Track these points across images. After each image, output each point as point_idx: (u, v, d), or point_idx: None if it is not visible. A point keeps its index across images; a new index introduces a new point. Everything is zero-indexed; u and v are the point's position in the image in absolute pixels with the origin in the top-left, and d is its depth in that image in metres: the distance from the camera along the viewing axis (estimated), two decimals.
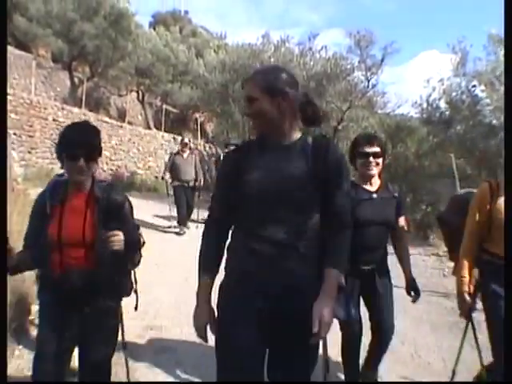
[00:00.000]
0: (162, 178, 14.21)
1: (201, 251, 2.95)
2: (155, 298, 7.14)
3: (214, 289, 2.86)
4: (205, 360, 5.24)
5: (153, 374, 4.89)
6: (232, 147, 5.58)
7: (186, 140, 13.98)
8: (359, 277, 4.33)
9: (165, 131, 32.08)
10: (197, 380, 4.87)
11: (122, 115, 30.63)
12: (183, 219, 12.99)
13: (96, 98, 30.29)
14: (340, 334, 4.52)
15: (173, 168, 12.99)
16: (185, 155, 13.06)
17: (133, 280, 3.64)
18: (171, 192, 13.51)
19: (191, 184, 12.99)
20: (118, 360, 3.92)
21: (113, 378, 3.67)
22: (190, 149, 14.03)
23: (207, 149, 22.89)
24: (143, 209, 14.76)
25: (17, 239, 6.83)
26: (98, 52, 27.21)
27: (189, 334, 5.89)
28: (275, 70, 2.88)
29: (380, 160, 4.42)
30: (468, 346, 5.94)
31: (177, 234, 12.91)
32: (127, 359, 3.93)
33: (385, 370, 4.99)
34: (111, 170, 24.93)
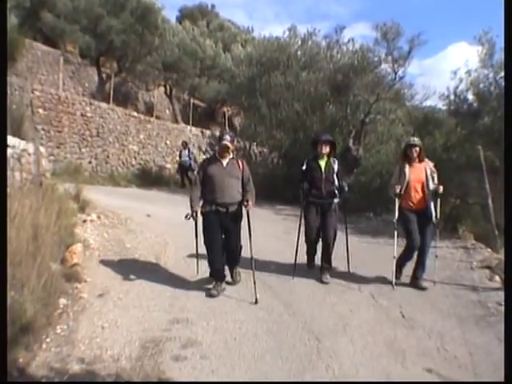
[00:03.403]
0: (187, 217, 7.29)
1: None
2: (182, 291, 7.19)
3: None
4: (230, 353, 5.28)
5: (178, 367, 4.92)
6: None
7: (228, 138, 7.54)
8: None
9: (193, 125, 32.28)
10: (221, 374, 4.89)
11: (149, 110, 30.82)
12: (218, 271, 7.52)
13: (124, 93, 30.50)
14: None
15: (204, 182, 7.53)
16: (224, 162, 7.52)
17: None
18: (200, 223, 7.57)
19: (233, 209, 7.43)
20: None
21: None
22: (234, 152, 7.98)
23: (235, 143, 22.81)
24: (167, 210, 14.72)
25: (45, 234, 6.94)
26: (126, 47, 27.41)
27: (215, 327, 5.94)
28: None
29: None
30: (496, 340, 5.91)
31: (207, 294, 7.25)
32: None
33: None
34: (139, 164, 25.10)
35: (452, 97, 16.14)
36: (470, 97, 15.81)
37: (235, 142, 8.84)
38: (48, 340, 5.29)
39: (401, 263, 8.14)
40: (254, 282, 7.01)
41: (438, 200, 8.12)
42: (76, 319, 5.91)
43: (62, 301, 6.26)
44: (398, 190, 7.98)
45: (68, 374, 4.67)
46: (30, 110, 17.55)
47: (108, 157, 23.15)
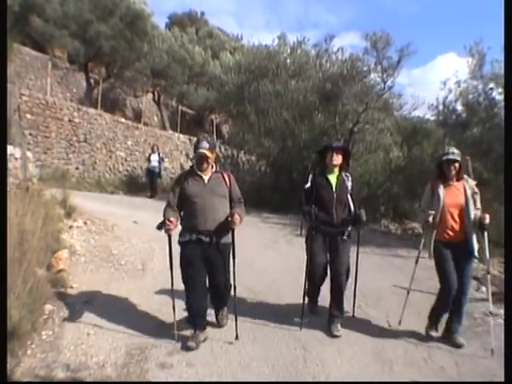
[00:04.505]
0: (160, 228, 6.01)
1: None
2: (168, 298, 7.15)
3: None
4: (216, 361, 5.25)
5: (164, 375, 4.89)
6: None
7: (205, 146, 5.78)
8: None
9: (181, 132, 32.19)
10: (207, 380, 4.86)
11: (137, 116, 30.76)
12: (198, 317, 5.91)
13: (112, 99, 30.44)
14: None
15: (181, 204, 6.02)
16: (206, 177, 5.90)
17: None
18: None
19: (219, 237, 5.84)
20: None
21: None
22: (216, 164, 6.16)
23: (223, 150, 22.77)
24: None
25: (31, 239, 6.88)
26: (114, 53, 27.31)
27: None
28: None
29: None
30: (482, 350, 5.91)
31: (184, 346, 5.58)
32: None
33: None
34: (126, 170, 25.03)
35: (441, 107, 16.27)
36: (459, 107, 15.95)
37: (217, 149, 7.28)
38: (33, 346, 5.24)
39: (436, 314, 6.32)
40: (235, 296, 6.79)
41: (486, 234, 6.09)
42: (61, 325, 5.87)
43: (48, 307, 6.21)
44: (431, 219, 6.13)
45: (53, 380, 4.62)
46: (17, 114, 17.45)
47: (95, 163, 23.04)
